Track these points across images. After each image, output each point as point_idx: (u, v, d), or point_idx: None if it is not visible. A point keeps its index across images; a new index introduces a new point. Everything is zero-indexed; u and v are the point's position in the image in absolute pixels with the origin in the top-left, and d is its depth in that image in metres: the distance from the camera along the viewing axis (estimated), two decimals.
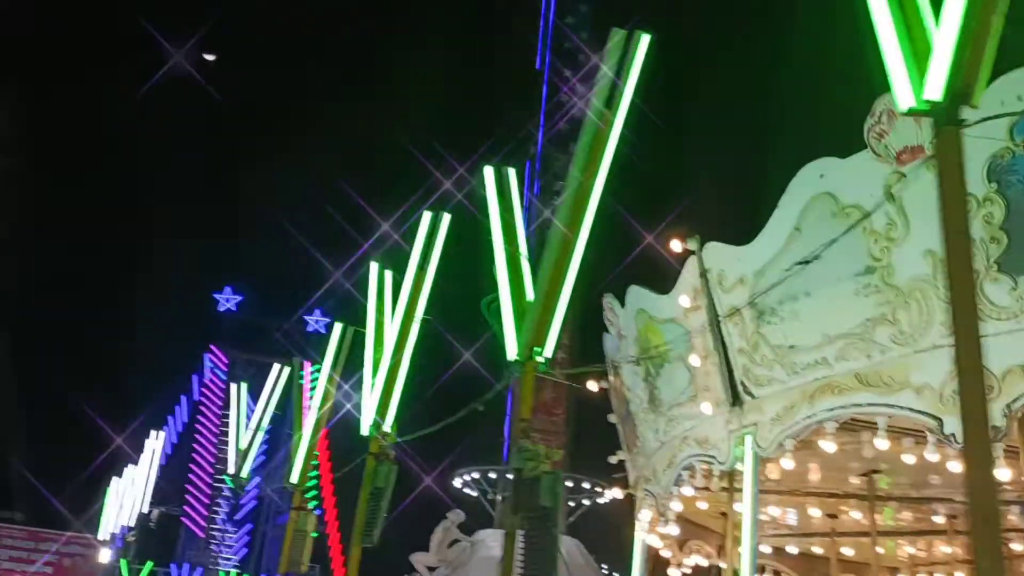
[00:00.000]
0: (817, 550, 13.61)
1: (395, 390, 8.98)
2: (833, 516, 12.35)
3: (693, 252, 9.41)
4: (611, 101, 7.15)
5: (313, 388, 15.47)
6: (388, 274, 10.13)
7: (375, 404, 9.19)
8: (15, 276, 56.45)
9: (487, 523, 26.44)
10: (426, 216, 9.44)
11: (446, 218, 9.45)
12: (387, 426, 8.90)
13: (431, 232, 9.29)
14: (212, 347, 62.05)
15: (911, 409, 7.84)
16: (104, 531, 31.91)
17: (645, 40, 7.12)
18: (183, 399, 59.58)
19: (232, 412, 15.08)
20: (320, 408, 10.29)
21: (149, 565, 38.00)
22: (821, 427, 8.63)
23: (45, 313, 59.66)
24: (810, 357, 8.55)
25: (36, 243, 58.70)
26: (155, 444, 27.67)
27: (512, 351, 7.21)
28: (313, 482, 57.34)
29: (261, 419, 13.96)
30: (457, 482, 26.27)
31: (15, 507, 52.20)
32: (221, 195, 64.70)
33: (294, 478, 9.97)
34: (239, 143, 63.34)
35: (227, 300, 64.10)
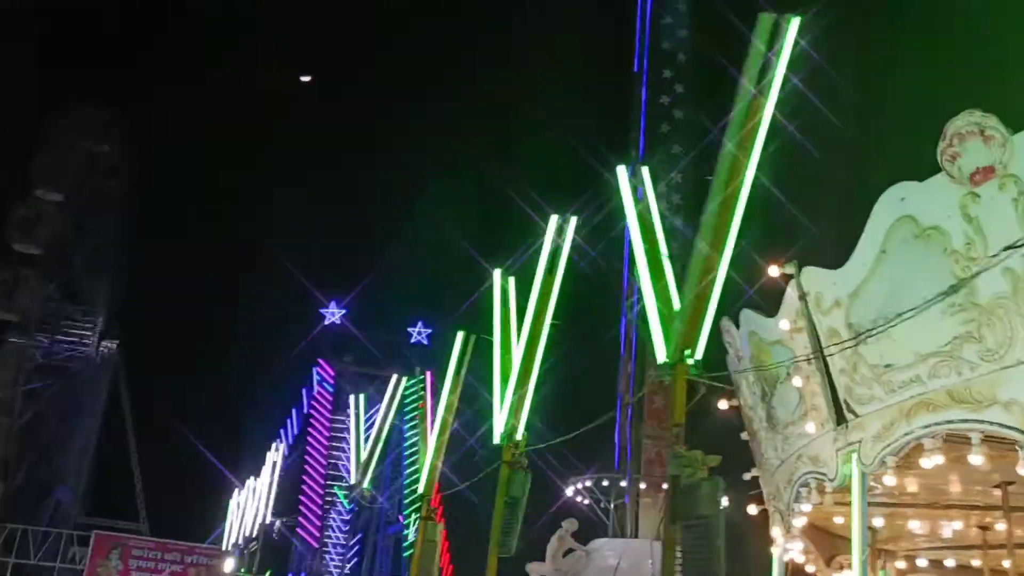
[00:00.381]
0: (976, 562, 13.12)
1: (527, 397, 8.85)
2: (985, 528, 11.86)
3: (792, 276, 9.61)
4: (760, 87, 6.90)
5: (419, 398, 15.55)
6: (511, 280, 10.03)
7: (506, 412, 9.06)
8: (132, 295, 59.01)
9: (601, 532, 26.18)
10: (553, 220, 9.29)
11: (572, 221, 9.28)
12: (519, 434, 8.75)
13: (559, 236, 9.14)
14: (320, 360, 63.47)
15: (1000, 424, 7.99)
16: (227, 541, 32.75)
17: (795, 23, 6.88)
18: (294, 412, 61.12)
19: (351, 424, 15.15)
20: (444, 417, 10.21)
21: (268, 573, 38.87)
22: (920, 444, 8.82)
23: (160, 332, 62.06)
24: (905, 375, 8.78)
25: (151, 264, 61.12)
26: (275, 456, 28.19)
27: (661, 353, 6.95)
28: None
29: (381, 429, 14.00)
30: (569, 490, 26.04)
31: (139, 518, 54.42)
32: (322, 208, 66.11)
33: (421, 488, 9.88)
34: (339, 153, 64.68)
35: (332, 314, 65.44)
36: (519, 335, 9.20)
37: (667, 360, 6.91)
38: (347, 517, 59.64)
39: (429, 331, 65.47)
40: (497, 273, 10.18)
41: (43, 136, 53.80)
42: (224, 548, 35.04)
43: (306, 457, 60.52)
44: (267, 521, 26.89)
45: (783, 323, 9.86)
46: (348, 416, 62.40)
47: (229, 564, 32.42)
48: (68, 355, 56.06)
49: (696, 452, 6.51)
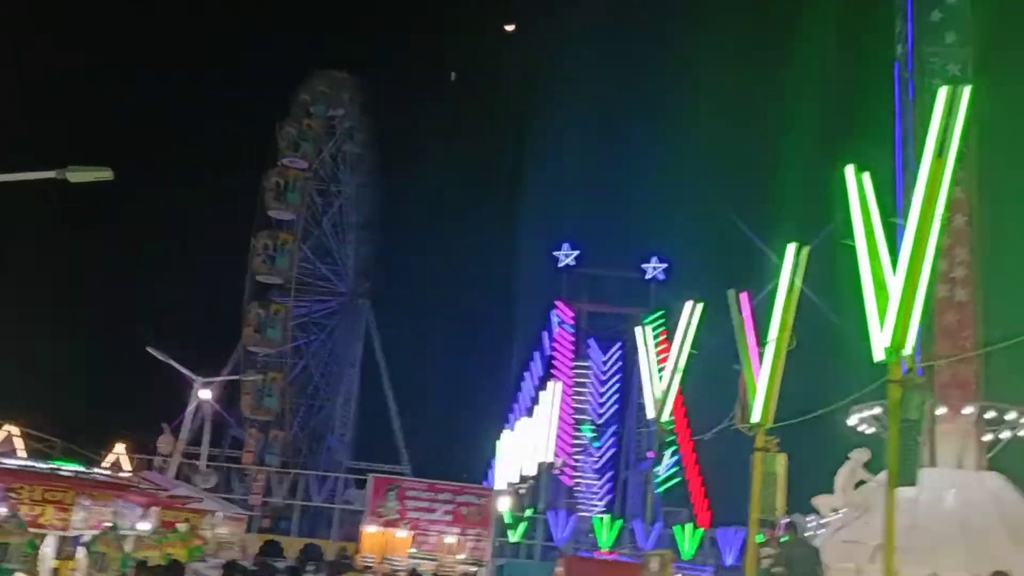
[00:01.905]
0: None
1: (915, 305, 7.61)
2: None
3: None
4: None
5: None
6: (866, 177, 8.73)
7: (891, 323, 7.88)
8: (376, 251, 61.75)
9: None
10: (942, 92, 7.82)
11: (966, 92, 7.75)
12: (908, 348, 7.58)
13: (949, 111, 7.65)
14: (557, 303, 63.87)
15: None
16: (500, 481, 33.37)
17: None
18: (536, 355, 62.02)
19: (642, 359, 14.41)
20: (780, 337, 9.18)
21: (530, 511, 39.70)
22: None
23: (405, 284, 64.64)
24: None
25: (392, 219, 63.57)
26: (552, 395, 28.20)
27: None
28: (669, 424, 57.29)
29: (677, 361, 13.14)
30: (852, 420, 24.19)
31: (402, 461, 57.43)
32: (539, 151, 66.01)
33: (755, 417, 8.92)
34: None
35: (565, 256, 65.53)
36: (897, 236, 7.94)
37: None
38: (597, 456, 60.23)
39: (665, 265, 64.23)
40: (850, 170, 8.87)
41: (284, 105, 56.85)
42: (497, 487, 35.93)
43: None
44: (547, 460, 27.03)
45: None
46: (589, 356, 62.81)
47: (505, 502, 33.14)
48: (325, 312, 59.66)
49: None
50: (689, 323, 12.92)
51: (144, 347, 33.55)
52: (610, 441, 61.11)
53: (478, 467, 54.00)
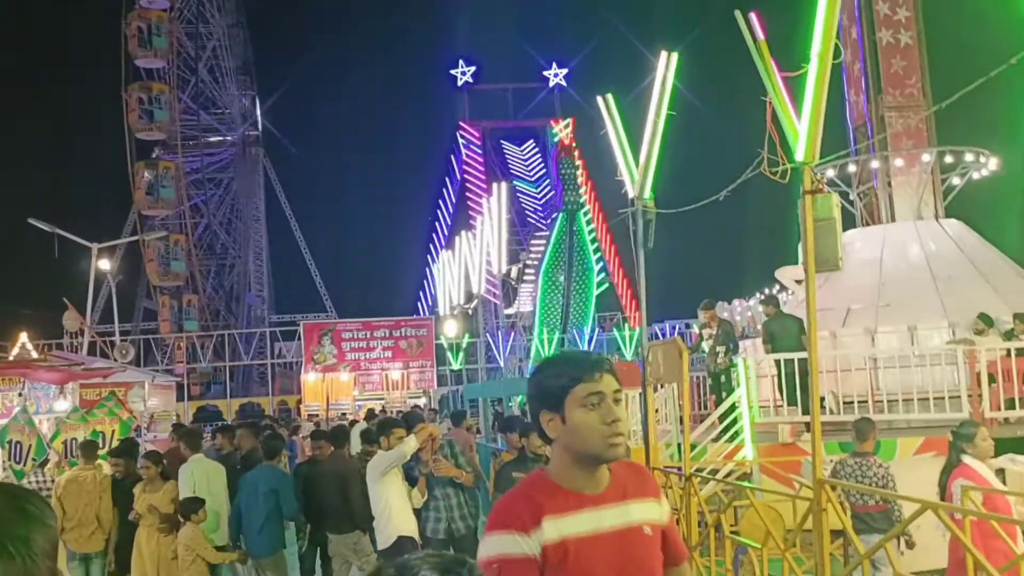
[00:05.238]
0: None
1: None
2: None
3: None
4: None
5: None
6: None
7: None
8: (261, 90, 57.29)
9: (849, 224, 23.28)
10: None
11: None
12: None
13: None
14: (461, 124, 61.04)
15: None
16: (442, 307, 31.84)
17: None
18: (447, 180, 59.72)
19: (610, 130, 12.30)
20: (823, 52, 7.29)
21: (467, 336, 38.58)
22: None
23: (298, 124, 60.81)
24: None
25: (272, 53, 58.81)
26: (499, 195, 25.94)
27: None
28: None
29: (655, 127, 11.15)
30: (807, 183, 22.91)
31: (327, 307, 55.68)
32: None
33: (799, 155, 7.14)
34: None
35: (463, 73, 62.16)
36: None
37: None
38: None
39: (565, 71, 61.66)
40: None
41: None
42: (436, 315, 34.45)
43: (470, 220, 59.68)
44: (502, 269, 25.37)
45: None
46: (504, 156, 60.58)
47: (452, 327, 31.77)
48: (218, 165, 55.84)
49: None
50: (665, 76, 10.77)
51: (26, 222, 30.03)
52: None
53: (405, 302, 52.72)
